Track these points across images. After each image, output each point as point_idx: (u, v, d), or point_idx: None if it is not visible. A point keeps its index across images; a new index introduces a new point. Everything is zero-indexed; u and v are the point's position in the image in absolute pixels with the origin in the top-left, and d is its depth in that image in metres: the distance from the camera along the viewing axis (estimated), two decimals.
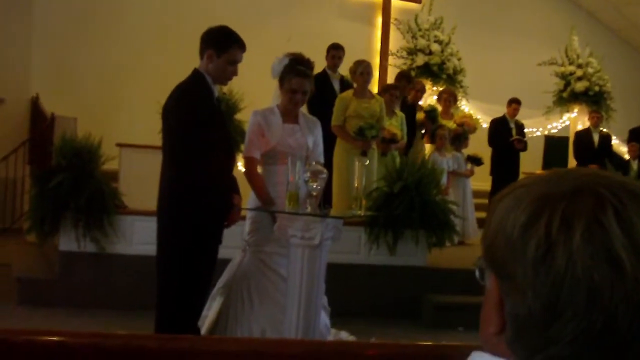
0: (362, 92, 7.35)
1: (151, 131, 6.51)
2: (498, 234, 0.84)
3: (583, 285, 0.76)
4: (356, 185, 4.38)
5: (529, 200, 0.82)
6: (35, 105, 9.94)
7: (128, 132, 9.07)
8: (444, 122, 9.30)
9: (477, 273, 0.89)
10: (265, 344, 1.88)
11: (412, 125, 8.43)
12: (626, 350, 0.77)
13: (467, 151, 9.34)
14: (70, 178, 6.12)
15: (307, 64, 4.60)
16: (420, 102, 9.49)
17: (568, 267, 0.77)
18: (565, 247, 0.77)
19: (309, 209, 4.07)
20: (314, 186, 4.09)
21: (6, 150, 8.88)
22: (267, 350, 1.73)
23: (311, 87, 4.57)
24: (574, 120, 11.88)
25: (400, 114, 8.01)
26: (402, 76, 8.98)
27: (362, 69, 7.35)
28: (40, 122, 9.38)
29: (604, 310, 0.76)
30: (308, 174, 4.10)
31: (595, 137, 10.66)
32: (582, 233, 0.77)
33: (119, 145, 8.11)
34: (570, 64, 11.72)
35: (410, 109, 8.67)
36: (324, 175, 4.18)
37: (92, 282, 6.28)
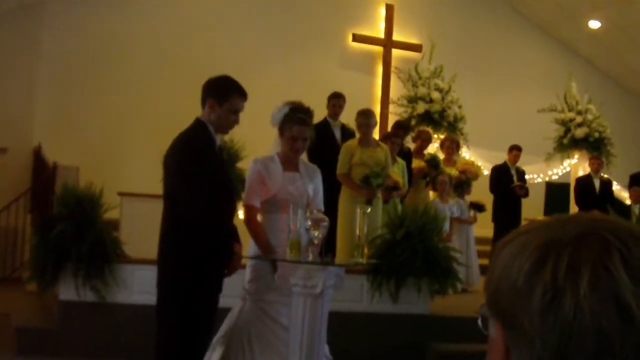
0: (367, 140, 7.38)
1: (152, 180, 6.53)
2: (502, 281, 0.82)
3: (592, 333, 0.75)
4: (358, 233, 4.36)
5: (534, 247, 0.80)
6: (37, 155, 10.00)
7: (129, 181, 9.10)
8: (447, 169, 9.33)
9: (479, 322, 0.87)
10: None
11: (409, 172, 8.46)
12: None
13: (469, 198, 9.34)
14: (71, 227, 6.12)
15: (307, 112, 4.63)
16: (424, 151, 9.52)
17: (576, 314, 0.75)
18: (573, 294, 0.76)
19: (310, 258, 4.05)
20: (316, 234, 4.07)
21: (8, 199, 8.89)
22: None
23: (311, 134, 4.59)
24: (575, 166, 11.90)
25: (401, 162, 8.04)
26: (400, 126, 9.02)
27: (362, 119, 7.39)
28: (42, 171, 9.42)
29: (614, 358, 0.75)
30: (309, 222, 4.09)
31: (596, 183, 10.67)
32: (589, 279, 0.76)
33: (120, 194, 8.13)
34: (570, 110, 11.79)
35: (406, 156, 8.71)
36: (325, 223, 4.17)
37: (92, 332, 6.21)
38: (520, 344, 0.80)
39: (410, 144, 9.33)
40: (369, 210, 4.59)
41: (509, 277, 0.81)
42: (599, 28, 12.86)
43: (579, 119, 11.66)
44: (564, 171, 12.04)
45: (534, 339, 0.78)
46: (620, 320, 0.75)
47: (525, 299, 0.79)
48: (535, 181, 11.73)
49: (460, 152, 10.45)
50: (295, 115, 4.52)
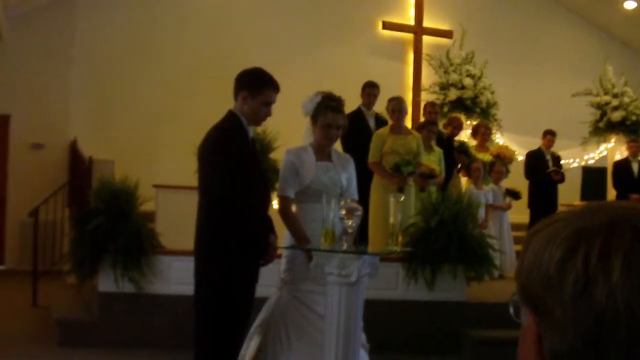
0: (398, 128, 7.36)
1: (187, 172, 6.59)
2: (533, 270, 0.82)
3: (624, 321, 0.75)
4: (392, 221, 4.36)
5: (564, 236, 0.80)
6: (73, 150, 10.15)
7: (164, 174, 9.19)
8: (480, 155, 9.27)
9: (511, 310, 0.88)
10: None
11: (449, 159, 8.41)
12: None
13: (504, 185, 9.27)
14: (108, 220, 6.21)
15: (339, 100, 4.63)
16: (455, 138, 9.48)
17: (608, 302, 0.75)
18: (604, 282, 0.76)
19: (345, 246, 4.06)
20: (350, 223, 4.07)
21: (46, 194, 9.04)
22: None
23: (344, 122, 4.59)
24: (612, 150, 11.73)
25: (437, 150, 8.01)
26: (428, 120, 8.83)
27: (394, 106, 7.39)
28: (78, 166, 9.57)
29: None
30: (343, 211, 4.09)
31: (634, 167, 10.49)
32: (620, 268, 0.75)
33: (156, 186, 8.22)
34: (606, 94, 11.61)
35: (446, 143, 8.66)
36: (359, 212, 4.16)
37: (130, 322, 6.31)
38: (553, 332, 0.80)
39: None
40: (402, 198, 4.57)
41: (540, 266, 0.81)
42: (635, 8, 12.61)
43: (615, 102, 11.48)
44: (601, 155, 11.87)
45: (566, 326, 0.78)
46: None
47: (557, 287, 0.79)
48: (571, 166, 11.58)
49: (493, 137, 10.37)
50: (328, 103, 4.52)
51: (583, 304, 0.77)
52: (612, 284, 0.75)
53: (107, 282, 6.28)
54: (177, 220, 7.04)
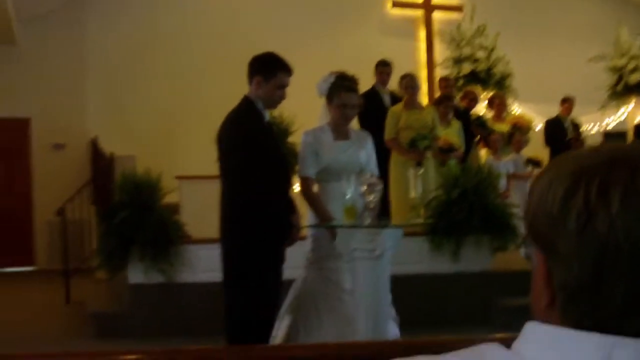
0: (412, 103, 7.38)
1: (208, 162, 6.63)
2: (539, 209, 0.86)
3: (625, 250, 0.79)
4: (412, 195, 4.40)
5: (566, 175, 0.84)
6: (94, 148, 10.27)
7: (186, 165, 9.28)
8: (497, 125, 9.25)
9: (522, 252, 0.93)
10: (337, 347, 1.92)
11: (468, 132, 8.41)
12: None
13: (525, 152, 9.25)
14: (133, 213, 6.29)
15: (353, 80, 4.67)
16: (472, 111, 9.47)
17: (610, 233, 0.79)
18: (605, 215, 0.80)
19: (367, 222, 4.10)
20: (371, 199, 4.13)
21: (71, 192, 9.16)
22: (342, 352, 1.76)
23: (359, 101, 4.63)
24: (632, 112, 11.64)
25: (455, 123, 8.01)
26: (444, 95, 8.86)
27: (406, 82, 7.41)
28: (100, 163, 9.68)
29: None
30: (364, 187, 4.14)
31: None
32: (620, 200, 0.79)
33: (178, 177, 8.31)
34: (622, 56, 11.49)
35: (463, 116, 8.66)
36: (380, 187, 4.21)
37: (162, 312, 6.41)
38: (560, 266, 0.84)
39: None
40: (421, 172, 4.61)
41: (545, 205, 0.85)
42: None
43: (631, 65, 11.37)
44: (621, 119, 11.78)
45: (571, 260, 0.82)
46: None
47: (561, 223, 0.83)
48: (591, 132, 11.51)
49: (511, 108, 10.34)
50: (342, 83, 4.56)
51: (586, 236, 0.81)
52: (612, 215, 0.79)
53: (136, 274, 6.38)
54: (201, 210, 7.11)
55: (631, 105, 11.62)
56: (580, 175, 0.83)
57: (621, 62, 11.49)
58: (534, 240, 0.88)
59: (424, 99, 10.45)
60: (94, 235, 7.78)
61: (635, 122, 11.15)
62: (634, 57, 11.47)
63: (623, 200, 0.80)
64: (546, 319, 0.88)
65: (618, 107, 11.68)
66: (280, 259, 4.32)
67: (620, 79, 11.50)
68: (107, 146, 9.65)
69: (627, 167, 0.82)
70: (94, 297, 7.43)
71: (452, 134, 7.78)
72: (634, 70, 11.39)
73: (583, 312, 0.83)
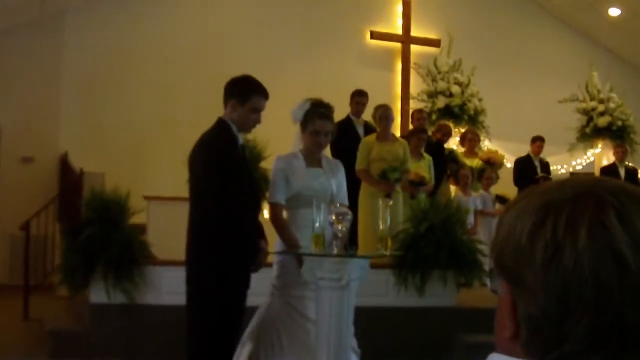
0: (385, 135, 7.42)
1: (177, 183, 6.60)
2: (507, 242, 0.88)
3: (591, 283, 0.80)
4: (381, 226, 4.40)
5: (534, 208, 0.86)
6: (64, 163, 10.15)
7: (155, 185, 9.19)
8: (469, 161, 9.34)
9: (488, 284, 0.93)
10: None
11: (439, 165, 8.45)
12: (638, 345, 0.80)
13: (494, 191, 9.34)
14: (99, 231, 6.21)
15: (328, 107, 4.68)
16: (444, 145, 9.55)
17: (576, 266, 0.81)
18: (572, 247, 0.81)
19: (335, 251, 4.09)
20: (340, 228, 4.12)
21: (37, 207, 9.03)
22: None
23: (333, 129, 4.64)
24: (599, 155, 11.83)
25: (427, 157, 8.06)
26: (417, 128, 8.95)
27: (380, 113, 7.46)
28: (69, 178, 9.56)
29: (612, 306, 0.80)
30: (333, 216, 4.14)
31: (622, 172, 10.58)
32: (586, 234, 0.81)
33: (146, 197, 8.23)
34: (592, 99, 11.72)
35: (436, 149, 8.72)
36: (349, 217, 4.21)
37: (123, 333, 6.31)
38: (526, 298, 0.85)
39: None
40: (391, 202, 4.62)
41: (513, 238, 0.87)
42: (619, 15, 12.75)
43: (601, 108, 11.59)
44: (588, 161, 11.97)
45: (537, 291, 0.84)
46: (617, 271, 0.80)
47: (528, 256, 0.84)
48: (559, 172, 11.67)
49: (482, 144, 10.45)
50: (317, 110, 4.58)
51: (552, 269, 0.82)
52: (578, 249, 0.81)
53: (98, 293, 6.28)
54: (167, 231, 7.04)
55: (598, 148, 11.81)
56: (548, 208, 0.85)
57: (591, 104, 11.71)
58: (502, 271, 0.89)
59: (397, 131, 10.52)
60: (57, 252, 7.65)
61: (602, 164, 11.33)
62: (603, 100, 11.69)
63: (589, 234, 0.81)
64: (509, 352, 0.89)
65: (586, 149, 11.87)
66: (245, 284, 4.30)
67: (589, 121, 11.70)
68: (77, 162, 9.55)
69: (593, 202, 0.83)
70: (54, 315, 7.29)
71: (422, 167, 7.83)
72: (602, 113, 11.60)
73: (546, 345, 0.83)
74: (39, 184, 10.25)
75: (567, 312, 0.81)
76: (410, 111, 10.98)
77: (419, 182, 7.61)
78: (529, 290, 0.85)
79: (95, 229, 6.21)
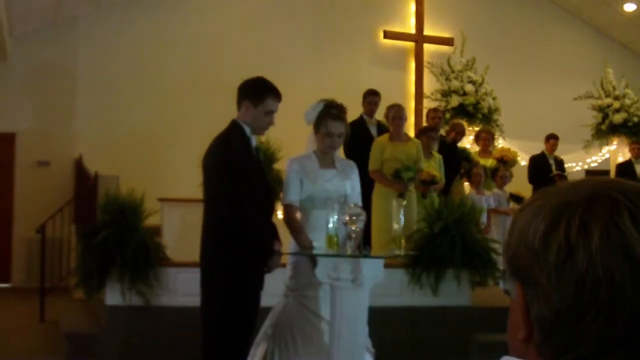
0: (398, 135, 7.39)
1: (191, 185, 6.63)
2: (520, 244, 0.87)
3: (604, 285, 0.80)
4: (395, 226, 4.40)
5: (548, 210, 0.86)
6: (79, 166, 10.22)
7: (169, 187, 9.25)
8: (483, 160, 9.30)
9: (501, 285, 0.93)
10: None
11: (453, 164, 8.42)
12: None
13: (508, 189, 9.29)
14: (114, 233, 6.23)
15: (341, 108, 4.69)
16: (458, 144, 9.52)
17: (589, 268, 0.81)
18: (585, 249, 0.81)
19: (349, 251, 4.09)
20: (353, 228, 4.12)
21: (52, 210, 9.09)
22: None
23: (346, 130, 4.64)
24: (614, 152, 11.75)
25: (437, 156, 8.02)
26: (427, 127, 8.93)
27: (393, 113, 7.43)
28: (84, 181, 9.63)
29: (626, 307, 0.80)
30: (347, 217, 4.14)
31: (638, 168, 10.51)
32: (600, 235, 0.81)
33: (161, 200, 8.26)
34: (607, 96, 11.64)
35: (449, 148, 8.69)
36: (363, 217, 4.21)
37: (138, 335, 6.33)
38: (539, 300, 0.85)
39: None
40: (404, 203, 4.61)
41: (527, 240, 0.86)
42: (635, 11, 12.65)
43: (616, 105, 11.51)
44: (603, 158, 11.89)
45: (551, 293, 0.83)
46: (630, 272, 0.80)
47: (541, 257, 0.84)
48: (574, 169, 11.60)
49: (496, 143, 10.41)
50: (329, 111, 4.58)
51: (566, 270, 0.82)
52: (592, 251, 0.81)
53: (114, 295, 6.30)
54: (182, 233, 7.09)
55: (614, 145, 11.73)
56: (562, 210, 0.84)
57: (606, 101, 11.62)
58: (515, 272, 0.89)
59: (410, 130, 10.50)
60: (73, 255, 7.70)
61: (618, 161, 11.25)
62: (619, 97, 11.61)
63: (602, 236, 0.81)
64: (522, 354, 0.88)
65: (601, 147, 11.79)
66: (259, 285, 4.31)
67: (604, 118, 11.62)
68: (92, 165, 9.61)
69: (607, 204, 0.83)
70: (70, 317, 7.33)
71: (433, 166, 7.80)
72: (618, 110, 11.51)
73: (560, 347, 0.83)
74: (55, 188, 10.33)
75: (580, 313, 0.81)
76: (424, 110, 10.95)
77: (430, 181, 7.59)
78: (543, 291, 0.85)
79: (111, 232, 6.23)
